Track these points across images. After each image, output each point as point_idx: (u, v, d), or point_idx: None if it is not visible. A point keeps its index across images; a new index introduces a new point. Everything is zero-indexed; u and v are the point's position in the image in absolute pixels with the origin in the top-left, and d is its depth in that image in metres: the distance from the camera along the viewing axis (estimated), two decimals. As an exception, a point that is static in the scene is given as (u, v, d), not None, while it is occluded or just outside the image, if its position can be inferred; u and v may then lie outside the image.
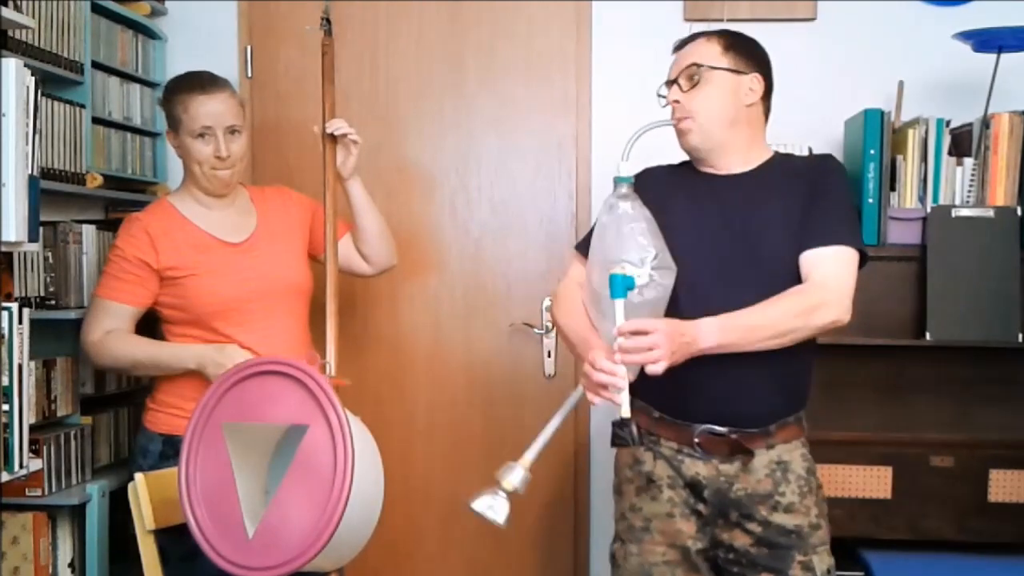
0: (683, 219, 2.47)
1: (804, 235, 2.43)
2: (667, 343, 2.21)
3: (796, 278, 2.43)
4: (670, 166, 2.66)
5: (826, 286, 2.38)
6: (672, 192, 2.52)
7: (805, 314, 2.35)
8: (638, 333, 2.22)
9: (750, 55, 2.55)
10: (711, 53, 2.52)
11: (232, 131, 2.94)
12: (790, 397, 2.52)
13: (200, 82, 2.94)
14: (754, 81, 2.53)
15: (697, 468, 2.48)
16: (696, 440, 2.47)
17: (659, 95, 2.58)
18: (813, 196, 2.46)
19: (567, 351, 3.35)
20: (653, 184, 2.51)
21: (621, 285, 2.27)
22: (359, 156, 3.05)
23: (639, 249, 2.32)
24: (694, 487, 2.49)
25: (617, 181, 2.41)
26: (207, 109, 2.90)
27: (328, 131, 3.00)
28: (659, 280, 2.32)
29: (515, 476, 2.57)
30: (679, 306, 2.37)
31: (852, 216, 2.52)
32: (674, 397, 2.27)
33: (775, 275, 2.43)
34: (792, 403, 2.53)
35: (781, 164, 2.57)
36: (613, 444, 2.28)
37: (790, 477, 2.48)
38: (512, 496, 2.56)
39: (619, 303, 2.26)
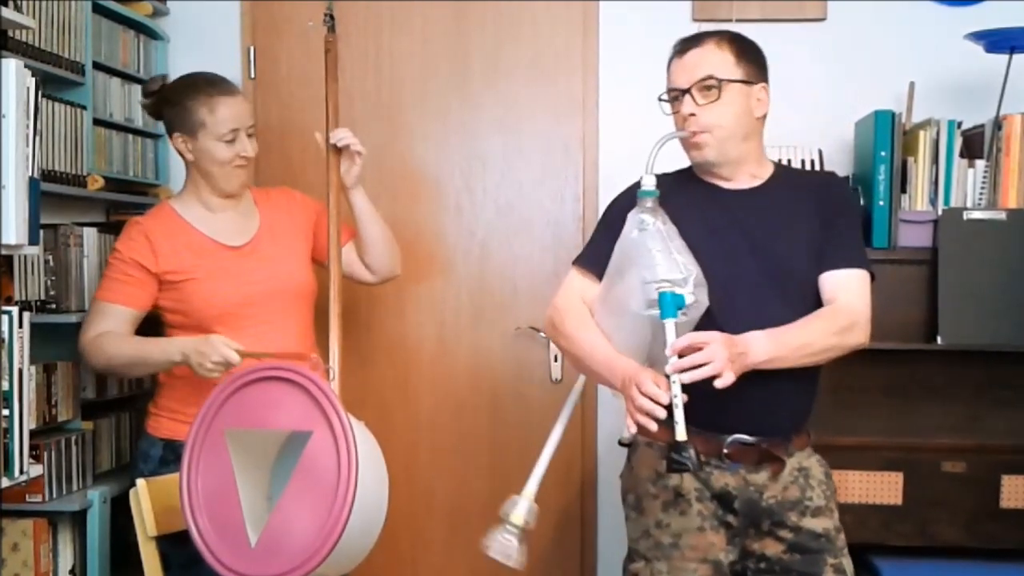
0: (699, 235, 2.41)
1: (825, 256, 2.48)
2: (723, 352, 2.21)
3: (816, 295, 2.48)
4: (671, 175, 2.60)
5: (854, 309, 2.45)
6: (680, 204, 2.45)
7: (840, 333, 2.42)
8: (690, 350, 2.21)
9: (758, 63, 2.51)
10: (725, 63, 2.45)
11: (250, 130, 2.94)
12: (807, 405, 2.55)
13: (220, 84, 2.92)
14: (762, 91, 2.50)
15: (726, 479, 2.47)
16: (725, 451, 2.45)
17: (661, 100, 2.52)
18: (827, 217, 2.50)
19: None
20: (662, 193, 2.43)
21: (672, 304, 2.24)
22: (363, 165, 3.01)
23: (679, 268, 2.30)
24: (723, 499, 2.47)
25: (643, 195, 2.36)
26: (233, 111, 2.89)
27: (332, 142, 2.96)
28: (699, 298, 2.31)
29: (521, 510, 2.56)
30: (713, 323, 2.34)
31: (862, 238, 2.58)
32: (702, 409, 2.25)
33: (798, 292, 2.48)
34: (808, 411, 2.56)
35: (785, 178, 2.58)
36: (670, 470, 2.23)
37: (812, 483, 2.51)
38: (525, 532, 2.55)
39: (670, 323, 2.24)
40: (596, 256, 2.52)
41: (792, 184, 2.56)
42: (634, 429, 2.25)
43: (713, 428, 2.41)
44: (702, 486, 2.48)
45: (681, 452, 2.19)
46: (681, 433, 2.20)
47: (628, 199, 2.47)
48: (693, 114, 2.44)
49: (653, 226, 2.33)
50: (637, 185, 2.44)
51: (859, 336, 2.44)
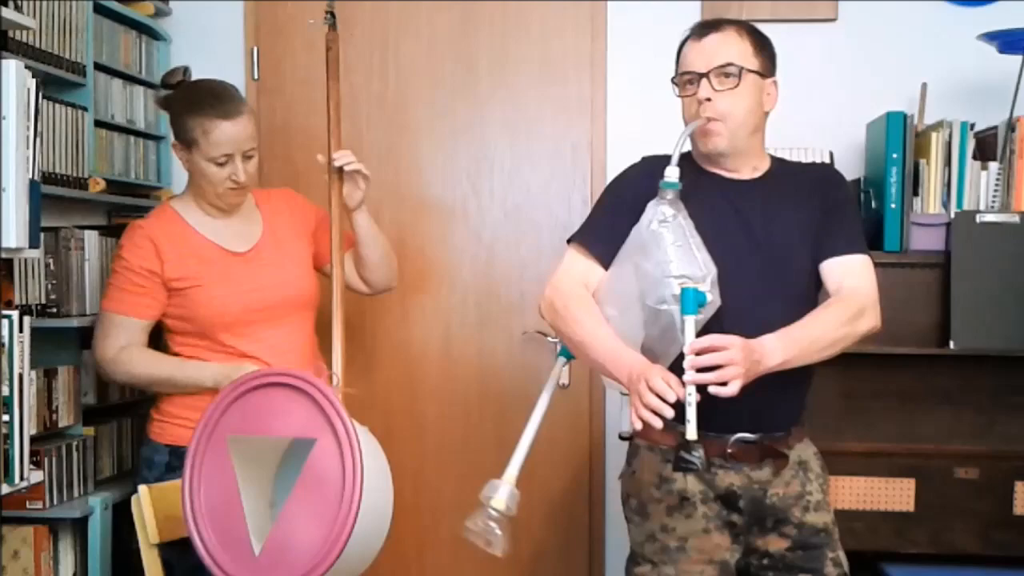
0: (701, 226, 2.38)
1: (825, 245, 2.47)
2: (743, 360, 2.18)
3: (815, 288, 2.48)
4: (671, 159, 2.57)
5: (862, 293, 2.43)
6: (684, 193, 2.40)
7: (850, 322, 2.38)
8: (710, 350, 2.18)
9: (771, 57, 2.49)
10: (745, 52, 2.42)
11: (248, 154, 2.85)
12: (803, 397, 2.55)
13: (222, 105, 2.81)
14: (772, 86, 2.48)
15: (730, 479, 2.45)
16: (729, 450, 2.43)
17: (674, 83, 2.48)
18: (828, 206, 2.50)
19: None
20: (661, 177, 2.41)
21: (694, 301, 2.22)
22: (367, 189, 2.96)
23: (699, 265, 2.29)
24: (727, 499, 2.46)
25: (666, 187, 2.34)
26: (228, 136, 2.80)
27: (336, 164, 2.90)
28: (714, 297, 2.29)
29: (503, 495, 2.51)
30: (713, 319, 2.31)
31: (861, 227, 2.57)
32: (702, 411, 2.21)
33: (799, 285, 2.47)
34: (804, 403, 2.56)
35: (784, 170, 2.56)
36: (677, 469, 2.21)
37: (811, 476, 2.51)
38: (507, 518, 2.50)
39: (690, 319, 2.21)
40: (600, 238, 2.48)
41: (791, 175, 2.55)
42: (639, 426, 2.20)
43: (715, 429, 2.37)
44: (707, 487, 2.45)
45: (691, 451, 2.17)
46: (692, 432, 2.17)
47: (638, 178, 2.47)
48: (709, 99, 2.39)
49: (674, 220, 2.32)
50: (644, 164, 2.48)
51: (870, 321, 2.41)
